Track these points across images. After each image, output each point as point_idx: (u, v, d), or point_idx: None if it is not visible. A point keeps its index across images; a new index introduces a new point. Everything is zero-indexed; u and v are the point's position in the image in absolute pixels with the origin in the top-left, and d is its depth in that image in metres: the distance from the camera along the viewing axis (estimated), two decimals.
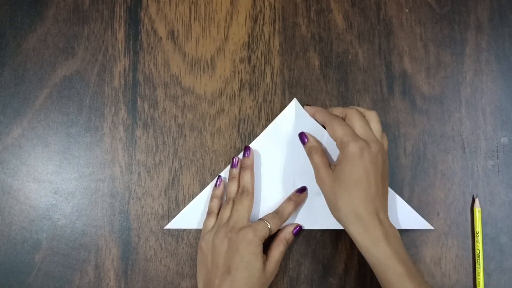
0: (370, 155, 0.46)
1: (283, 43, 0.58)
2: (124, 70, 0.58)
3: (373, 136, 0.48)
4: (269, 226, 0.49)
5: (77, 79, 0.58)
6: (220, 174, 0.55)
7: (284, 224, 0.52)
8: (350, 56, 0.58)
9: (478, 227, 0.53)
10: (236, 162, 0.54)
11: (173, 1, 0.59)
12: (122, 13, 0.59)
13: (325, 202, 0.49)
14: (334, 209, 0.47)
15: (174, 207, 0.55)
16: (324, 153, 0.50)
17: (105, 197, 0.56)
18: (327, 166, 0.49)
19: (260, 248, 0.48)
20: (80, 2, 0.59)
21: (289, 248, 0.54)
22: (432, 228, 0.54)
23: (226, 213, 0.51)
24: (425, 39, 0.58)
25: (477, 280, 0.53)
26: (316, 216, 0.53)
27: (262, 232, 0.48)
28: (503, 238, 0.54)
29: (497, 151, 0.56)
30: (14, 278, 0.54)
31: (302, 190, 0.53)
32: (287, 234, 0.52)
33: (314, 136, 0.52)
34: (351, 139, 0.46)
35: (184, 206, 0.55)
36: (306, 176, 0.53)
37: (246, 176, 0.52)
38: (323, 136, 0.52)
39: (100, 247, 0.55)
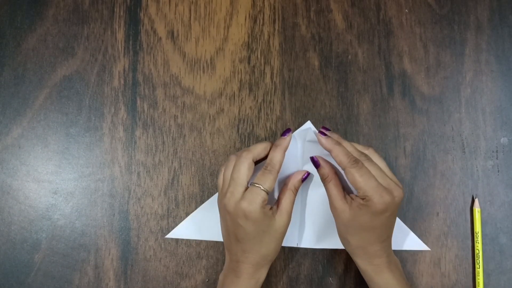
0: (393, 207, 0.45)
1: (283, 43, 0.58)
2: (124, 70, 0.58)
3: (392, 183, 0.46)
4: (262, 188, 0.46)
5: (77, 79, 0.58)
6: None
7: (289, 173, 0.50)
8: (349, 56, 0.58)
9: (478, 228, 0.53)
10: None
11: (172, 1, 0.59)
12: (121, 13, 0.59)
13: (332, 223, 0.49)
14: (343, 239, 0.49)
15: (174, 207, 0.55)
16: (339, 181, 0.48)
17: (105, 197, 0.56)
18: (342, 197, 0.47)
19: (261, 215, 0.46)
20: (80, 2, 0.59)
21: (289, 248, 0.54)
22: (428, 249, 0.54)
23: (228, 175, 0.48)
24: (425, 39, 0.58)
25: (477, 281, 0.53)
26: (324, 235, 0.53)
27: (257, 198, 0.46)
28: (503, 238, 0.54)
29: (496, 152, 0.56)
30: (14, 278, 0.54)
31: (287, 132, 0.49)
32: (296, 182, 0.50)
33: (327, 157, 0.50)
34: (376, 194, 0.44)
35: (184, 206, 0.55)
36: (312, 192, 0.53)
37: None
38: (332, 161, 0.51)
39: (99, 247, 0.55)
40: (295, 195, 0.50)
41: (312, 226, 0.53)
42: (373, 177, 0.45)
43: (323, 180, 0.49)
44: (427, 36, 0.58)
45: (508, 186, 0.55)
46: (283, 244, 0.50)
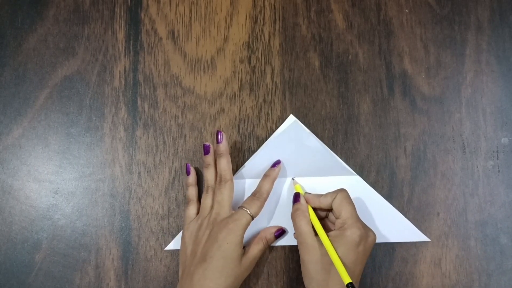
0: (366, 246, 0.45)
1: (283, 44, 0.58)
2: (125, 70, 0.58)
3: (366, 225, 0.47)
4: (249, 212, 0.49)
5: (78, 79, 0.58)
6: (186, 162, 0.55)
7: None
8: (350, 57, 0.58)
9: None
10: (208, 148, 0.52)
11: (173, 2, 0.59)
12: (122, 13, 0.59)
13: (315, 186, 0.51)
14: (306, 278, 0.46)
15: (175, 207, 0.55)
16: (309, 220, 0.48)
17: (106, 197, 0.56)
18: (313, 235, 0.47)
19: (240, 238, 0.47)
20: (80, 2, 0.59)
21: (289, 249, 0.54)
22: (428, 240, 0.54)
23: (207, 202, 0.51)
24: (425, 39, 0.58)
25: None
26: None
27: (243, 220, 0.48)
28: (503, 239, 0.54)
29: (497, 152, 0.56)
30: (14, 278, 0.54)
31: (277, 163, 0.53)
32: (268, 234, 0.52)
33: (312, 152, 0.54)
34: (354, 224, 0.45)
35: (184, 206, 0.55)
36: (305, 180, 0.54)
37: (222, 163, 0.51)
38: (320, 152, 0.54)
39: (100, 247, 0.55)
40: (266, 247, 0.51)
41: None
42: (355, 208, 0.47)
43: (294, 215, 0.49)
44: (427, 36, 0.58)
45: (509, 187, 0.55)
46: (284, 244, 0.51)
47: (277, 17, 0.59)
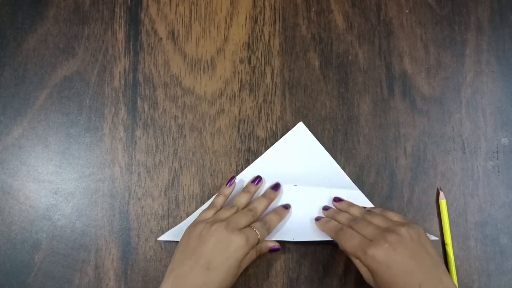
0: (387, 255, 0.44)
1: (283, 44, 0.58)
2: (124, 70, 0.58)
3: (377, 231, 0.46)
4: (258, 237, 0.49)
5: (77, 80, 0.58)
6: (234, 175, 0.55)
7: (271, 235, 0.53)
8: (350, 57, 0.58)
9: (445, 219, 0.54)
10: (258, 181, 0.54)
11: (173, 2, 0.59)
12: (122, 14, 0.59)
13: (316, 196, 0.53)
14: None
15: (174, 208, 0.55)
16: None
17: (105, 197, 0.56)
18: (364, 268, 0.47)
19: (244, 256, 0.47)
20: (80, 3, 0.59)
21: (289, 249, 0.54)
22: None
23: (226, 213, 0.50)
24: (426, 39, 0.58)
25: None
26: (309, 228, 0.53)
27: (253, 241, 0.48)
28: (504, 239, 0.54)
29: (497, 152, 0.56)
30: (14, 278, 0.54)
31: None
32: (264, 247, 0.51)
33: (318, 160, 0.54)
34: (361, 254, 0.45)
35: (184, 207, 0.55)
36: (308, 189, 0.54)
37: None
38: (327, 161, 0.55)
39: (100, 247, 0.55)
40: (257, 258, 0.51)
41: (305, 220, 0.54)
42: (355, 236, 0.47)
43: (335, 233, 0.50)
44: (427, 36, 0.58)
45: (509, 187, 0.55)
46: (280, 239, 0.52)
47: (277, 18, 0.59)
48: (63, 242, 0.55)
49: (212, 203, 0.53)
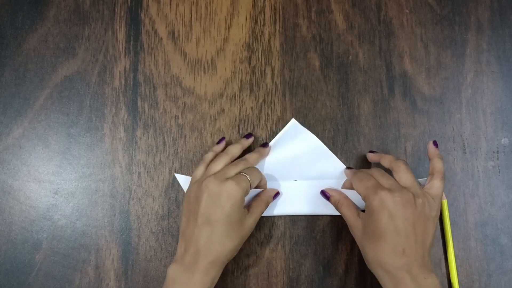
0: (395, 206, 0.44)
1: (284, 44, 0.58)
2: (125, 70, 0.58)
3: (397, 185, 0.46)
4: (248, 178, 0.48)
5: (78, 80, 0.58)
6: (224, 137, 0.55)
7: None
8: (350, 57, 0.58)
9: (447, 219, 0.54)
10: (249, 136, 0.55)
11: (173, 2, 0.59)
12: (122, 14, 0.59)
13: (317, 189, 0.53)
14: (365, 261, 0.47)
15: (175, 208, 0.55)
16: (351, 203, 0.51)
17: (106, 198, 0.56)
18: (355, 216, 0.49)
19: (242, 202, 0.47)
20: (80, 3, 0.59)
21: (289, 249, 0.54)
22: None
23: (217, 166, 0.50)
24: (426, 40, 0.58)
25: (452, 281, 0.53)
26: (311, 202, 0.54)
27: (244, 185, 0.47)
28: (504, 239, 0.54)
29: (497, 152, 0.56)
30: (14, 278, 0.54)
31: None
32: (268, 197, 0.52)
33: (315, 153, 0.55)
34: (371, 192, 0.45)
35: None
36: (308, 183, 0.55)
37: (253, 155, 0.52)
38: (324, 154, 0.55)
39: (100, 247, 0.55)
40: (266, 208, 0.52)
41: (308, 212, 0.55)
42: (372, 179, 0.47)
43: (336, 207, 0.52)
44: (427, 36, 0.58)
45: (509, 187, 0.55)
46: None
47: (277, 18, 0.59)
48: (64, 242, 0.55)
49: (202, 159, 0.53)
